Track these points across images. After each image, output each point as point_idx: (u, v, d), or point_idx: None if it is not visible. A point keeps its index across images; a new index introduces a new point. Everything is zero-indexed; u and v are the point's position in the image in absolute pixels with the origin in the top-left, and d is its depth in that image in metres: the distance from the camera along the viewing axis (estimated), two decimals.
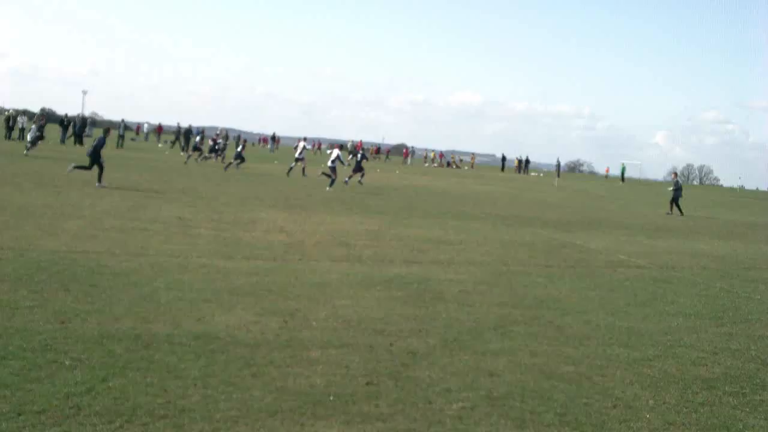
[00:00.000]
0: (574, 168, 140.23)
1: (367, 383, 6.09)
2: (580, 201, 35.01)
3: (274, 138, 79.44)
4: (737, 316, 10.10)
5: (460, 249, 14.55)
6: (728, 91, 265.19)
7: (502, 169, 75.78)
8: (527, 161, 77.24)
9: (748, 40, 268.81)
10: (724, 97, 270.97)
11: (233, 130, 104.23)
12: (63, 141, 47.83)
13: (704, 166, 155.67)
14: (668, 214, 30.95)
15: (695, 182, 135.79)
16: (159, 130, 76.44)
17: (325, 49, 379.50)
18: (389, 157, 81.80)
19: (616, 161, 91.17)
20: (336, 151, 30.31)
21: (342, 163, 30.27)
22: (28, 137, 34.29)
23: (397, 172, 50.03)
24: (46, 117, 47.70)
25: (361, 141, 74.01)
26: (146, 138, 76.37)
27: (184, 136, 53.47)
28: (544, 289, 10.95)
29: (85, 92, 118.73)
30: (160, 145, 61.34)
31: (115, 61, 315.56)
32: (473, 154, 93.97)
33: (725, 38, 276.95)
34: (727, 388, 6.73)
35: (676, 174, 39.11)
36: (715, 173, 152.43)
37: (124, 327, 7.02)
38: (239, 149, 35.67)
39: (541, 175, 75.42)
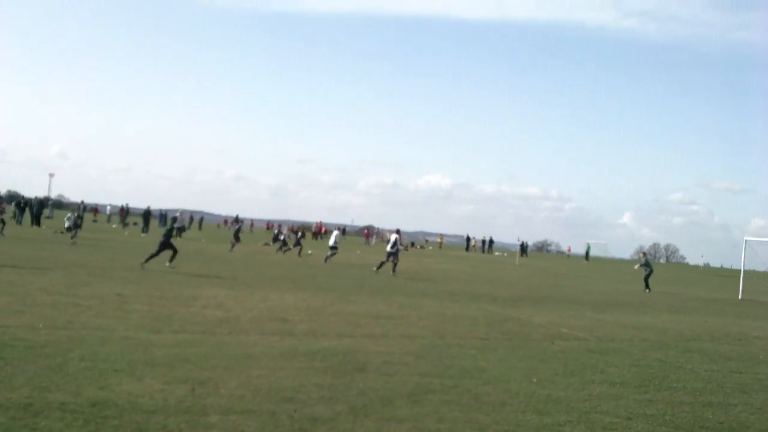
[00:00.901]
0: (542, 248, 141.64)
1: None
2: (537, 278, 35.10)
3: (237, 220, 79.61)
4: (663, 384, 10.07)
5: (399, 323, 14.48)
6: (692, 173, 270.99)
7: (467, 248, 76.21)
8: (491, 241, 77.97)
9: (709, 123, 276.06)
10: (689, 178, 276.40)
11: (199, 212, 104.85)
12: (19, 222, 47.48)
13: (670, 245, 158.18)
14: (647, 291, 32.28)
15: (662, 260, 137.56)
16: (122, 212, 76.24)
17: (295, 134, 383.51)
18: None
19: (584, 241, 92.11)
20: (395, 236, 29.92)
21: (400, 247, 30.24)
22: None
23: (359, 252, 50.05)
24: (3, 200, 47.47)
25: (398, 230, 74.39)
26: (108, 219, 76.12)
27: (144, 217, 53.72)
28: (472, 360, 10.88)
29: (52, 175, 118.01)
30: (113, 226, 61.21)
31: (84, 144, 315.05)
32: (441, 234, 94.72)
33: (688, 122, 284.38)
34: None
35: (644, 254, 40.02)
36: (682, 252, 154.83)
37: (19, 396, 6.84)
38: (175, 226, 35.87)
39: (505, 254, 75.89)
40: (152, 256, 23.07)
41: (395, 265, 28.38)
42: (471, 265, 45.73)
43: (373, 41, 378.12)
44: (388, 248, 29.12)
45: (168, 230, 24.92)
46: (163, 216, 71.53)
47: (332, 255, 34.27)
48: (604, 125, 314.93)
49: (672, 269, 77.88)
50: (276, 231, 43.76)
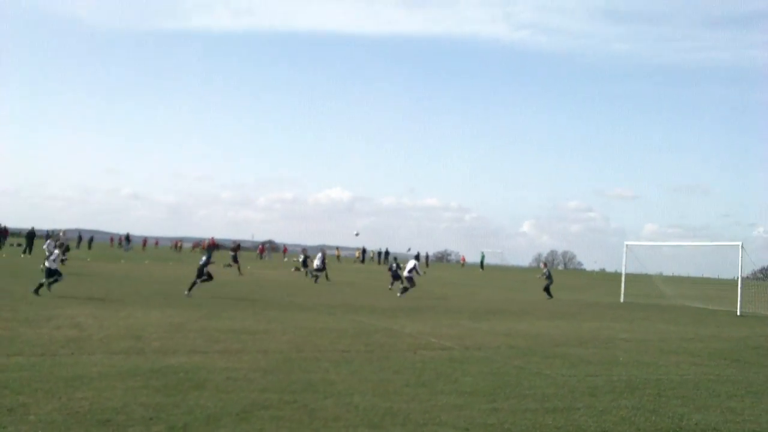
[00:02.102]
0: (443, 257, 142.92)
1: None
2: (424, 289, 35.05)
3: (128, 238, 77.97)
4: (514, 392, 9.92)
5: (260, 338, 14.01)
6: (588, 181, 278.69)
7: (362, 261, 76.18)
8: (387, 252, 78.03)
9: (603, 132, 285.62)
10: (585, 186, 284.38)
11: (94, 232, 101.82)
12: None
13: (568, 251, 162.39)
14: (549, 298, 33.57)
15: (560, 267, 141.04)
16: (4, 233, 73.30)
17: (192, 152, 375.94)
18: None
19: (484, 250, 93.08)
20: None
21: (418, 273, 30.31)
22: None
23: (249, 267, 49.15)
24: None
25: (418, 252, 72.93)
26: None
27: (27, 238, 51.56)
28: (324, 373, 10.51)
29: None
30: None
31: None
32: (338, 247, 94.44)
33: (582, 131, 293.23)
34: None
35: (545, 264, 40.99)
36: (579, 258, 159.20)
37: None
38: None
39: (403, 265, 75.96)
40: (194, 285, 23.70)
41: (406, 289, 29.11)
42: (361, 277, 45.52)
43: (265, 56, 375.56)
44: (405, 273, 29.73)
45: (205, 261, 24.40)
46: (48, 236, 68.89)
47: (318, 275, 36.11)
48: (502, 136, 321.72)
49: (567, 275, 79.64)
50: (302, 256, 43.25)
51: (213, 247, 46.44)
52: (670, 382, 11.47)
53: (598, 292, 44.88)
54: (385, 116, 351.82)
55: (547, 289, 34.59)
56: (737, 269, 31.63)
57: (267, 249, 78.60)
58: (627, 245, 37.81)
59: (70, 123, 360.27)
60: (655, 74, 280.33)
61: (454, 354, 13.36)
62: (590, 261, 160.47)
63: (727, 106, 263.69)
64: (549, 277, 35.19)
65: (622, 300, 35.47)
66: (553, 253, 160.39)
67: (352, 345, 13.73)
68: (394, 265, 33.03)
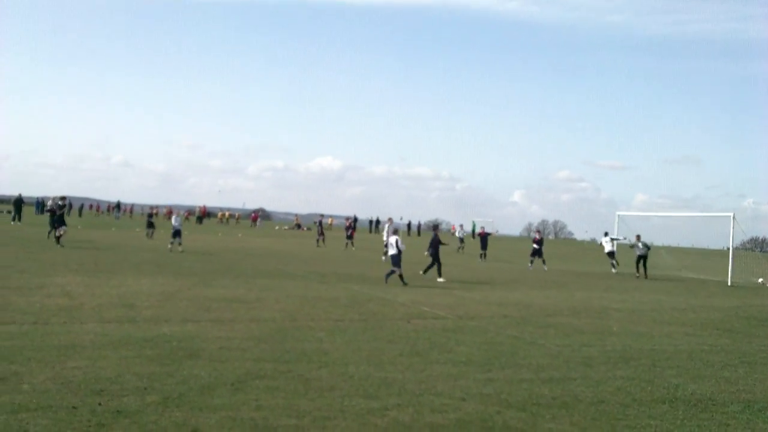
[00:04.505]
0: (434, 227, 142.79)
1: None
2: (416, 258, 34.96)
3: (118, 206, 77.60)
4: (509, 362, 9.89)
5: (253, 307, 13.93)
6: (579, 152, 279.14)
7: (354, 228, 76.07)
8: (377, 221, 77.95)
9: (593, 103, 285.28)
10: (575, 157, 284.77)
11: (85, 199, 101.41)
12: None
13: (558, 221, 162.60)
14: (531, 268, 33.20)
15: (551, 237, 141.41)
16: None
17: (182, 120, 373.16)
18: (238, 221, 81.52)
19: (474, 219, 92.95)
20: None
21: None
22: None
23: (240, 235, 49.01)
24: None
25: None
26: None
27: (15, 205, 51.06)
28: (317, 343, 10.44)
29: None
30: None
31: None
32: (330, 217, 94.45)
33: (573, 102, 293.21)
34: None
35: (539, 231, 40.77)
36: (570, 228, 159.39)
37: None
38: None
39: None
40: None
41: (432, 267, 24.19)
42: (354, 246, 45.40)
43: (256, 24, 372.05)
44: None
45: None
46: (40, 204, 68.53)
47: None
48: (493, 106, 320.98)
49: (558, 245, 79.86)
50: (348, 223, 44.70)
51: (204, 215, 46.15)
52: (664, 352, 11.46)
53: (588, 261, 44.97)
54: (377, 85, 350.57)
55: (540, 255, 34.41)
56: (726, 240, 31.71)
57: (259, 217, 78.42)
58: (619, 215, 37.78)
59: (61, 91, 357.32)
60: (648, 46, 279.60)
61: (447, 323, 13.31)
62: (581, 231, 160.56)
63: (720, 78, 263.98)
64: (538, 245, 34.81)
65: (613, 270, 35.51)
66: (544, 222, 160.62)
67: (345, 314, 13.67)
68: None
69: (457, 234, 50.32)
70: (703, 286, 28.51)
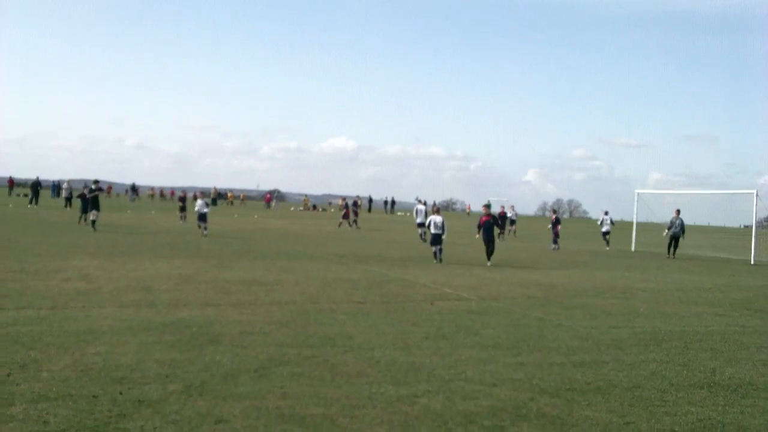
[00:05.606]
0: (448, 206, 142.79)
1: None
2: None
3: (134, 188, 77.51)
4: (538, 345, 9.61)
5: (272, 289, 13.71)
6: (593, 130, 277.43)
7: (369, 210, 75.84)
8: (393, 202, 77.79)
9: (607, 81, 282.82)
10: (589, 135, 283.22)
11: (102, 183, 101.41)
12: None
13: (573, 200, 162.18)
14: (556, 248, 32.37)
15: (565, 215, 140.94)
16: (10, 183, 73.87)
17: (195, 101, 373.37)
18: (243, 201, 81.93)
19: (489, 199, 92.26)
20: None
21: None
22: None
23: (256, 216, 48.88)
24: None
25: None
26: None
27: (33, 188, 51.13)
28: (340, 326, 10.20)
29: None
30: None
31: None
32: (343, 197, 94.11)
33: (587, 80, 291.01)
34: (485, 422, 6.09)
35: (555, 211, 40.23)
36: (584, 206, 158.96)
37: None
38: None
39: (408, 214, 75.72)
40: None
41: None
42: (369, 227, 45.20)
43: (270, 4, 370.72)
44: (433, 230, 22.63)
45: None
46: (56, 187, 68.68)
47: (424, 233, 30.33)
48: (507, 85, 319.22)
49: (573, 224, 79.45)
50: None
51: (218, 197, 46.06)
52: (695, 333, 11.15)
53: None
54: (390, 65, 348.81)
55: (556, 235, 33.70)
56: (745, 218, 31.24)
57: (275, 198, 78.26)
58: (638, 193, 37.30)
59: (75, 73, 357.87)
60: (663, 22, 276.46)
61: (471, 305, 13.05)
62: (596, 209, 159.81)
63: (737, 54, 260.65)
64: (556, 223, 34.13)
65: (633, 249, 35.12)
66: (559, 201, 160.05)
67: (366, 296, 13.43)
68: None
69: (509, 215, 45.69)
70: (726, 265, 28.12)
